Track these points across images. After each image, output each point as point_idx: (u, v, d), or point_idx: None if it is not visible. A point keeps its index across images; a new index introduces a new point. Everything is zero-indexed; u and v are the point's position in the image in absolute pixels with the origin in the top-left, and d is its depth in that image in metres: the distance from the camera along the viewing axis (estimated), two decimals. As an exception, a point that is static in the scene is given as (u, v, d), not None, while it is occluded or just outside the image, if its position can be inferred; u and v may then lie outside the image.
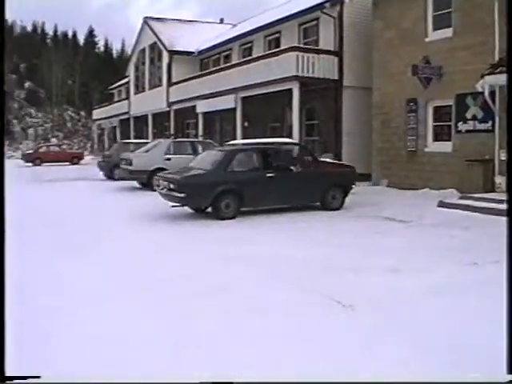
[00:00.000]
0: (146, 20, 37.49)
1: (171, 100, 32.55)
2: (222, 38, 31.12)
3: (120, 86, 50.60)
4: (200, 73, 30.72)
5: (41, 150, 43.98)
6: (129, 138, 39.11)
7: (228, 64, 27.52)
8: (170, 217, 12.94)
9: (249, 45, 28.02)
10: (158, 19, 37.40)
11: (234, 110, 24.71)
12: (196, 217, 12.99)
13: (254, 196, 12.78)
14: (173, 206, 12.94)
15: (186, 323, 5.26)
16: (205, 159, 13.90)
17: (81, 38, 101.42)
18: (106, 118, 48.22)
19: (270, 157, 13.52)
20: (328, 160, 16.67)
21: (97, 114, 52.19)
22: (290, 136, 19.77)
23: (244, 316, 5.40)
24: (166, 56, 33.70)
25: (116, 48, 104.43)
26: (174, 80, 32.72)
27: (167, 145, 20.27)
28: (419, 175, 17.15)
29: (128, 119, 41.58)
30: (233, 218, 12.37)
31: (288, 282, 6.76)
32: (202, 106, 28.02)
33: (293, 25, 23.74)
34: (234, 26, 35.23)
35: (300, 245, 9.37)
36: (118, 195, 18.31)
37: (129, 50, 66.03)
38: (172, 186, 12.38)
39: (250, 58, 25.11)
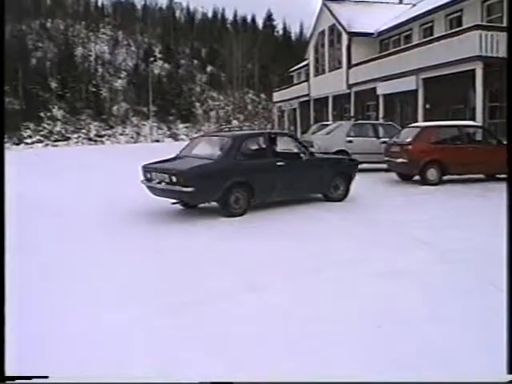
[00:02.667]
0: (324, 2, 37.75)
1: (351, 82, 32.87)
2: (402, 18, 30.92)
3: (299, 68, 51.41)
4: (380, 54, 30.75)
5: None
6: (309, 120, 40.02)
7: (408, 45, 27.32)
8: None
9: (429, 24, 27.68)
10: (336, 1, 37.32)
11: (415, 91, 24.68)
12: (192, 214, 11.06)
13: (264, 188, 11.09)
14: (174, 203, 11.36)
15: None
16: (204, 146, 11.94)
17: (259, 22, 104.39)
18: (285, 101, 49.22)
19: (276, 143, 11.95)
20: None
21: (277, 96, 53.37)
22: (472, 119, 19.47)
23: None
24: (345, 38, 33.97)
25: (294, 31, 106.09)
26: (353, 62, 32.95)
27: (348, 127, 20.33)
28: None
29: (308, 101, 42.27)
30: (242, 214, 10.62)
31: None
32: (382, 88, 28.14)
33: (475, 2, 23.17)
34: (414, 5, 34.72)
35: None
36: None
37: (307, 33, 67.11)
38: (174, 178, 10.24)
39: (430, 38, 24.80)
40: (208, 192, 10.47)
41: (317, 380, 3.72)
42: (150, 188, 11.06)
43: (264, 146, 11.55)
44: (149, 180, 11.05)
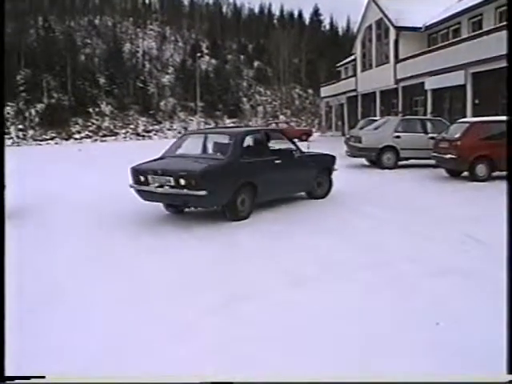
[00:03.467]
0: (372, -4, 37.70)
1: (398, 77, 32.69)
2: (450, 11, 30.56)
3: (347, 63, 51.24)
4: (428, 48, 30.50)
5: (269, 127, 44.83)
6: (356, 116, 39.83)
7: (457, 38, 27.08)
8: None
9: (478, 18, 27.31)
10: (384, -5, 37.31)
11: (463, 86, 24.39)
12: (189, 220, 10.10)
13: (266, 187, 10.38)
14: (168, 209, 10.65)
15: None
16: (198, 144, 11.03)
17: (306, 18, 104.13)
18: (333, 96, 49.17)
19: (270, 140, 11.46)
20: None
21: (324, 91, 53.30)
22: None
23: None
24: (392, 32, 33.81)
25: (341, 25, 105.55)
26: (401, 56, 32.75)
27: (396, 122, 20.06)
28: None
29: (355, 96, 42.14)
30: (247, 217, 9.93)
31: None
32: (430, 83, 27.91)
33: (527, -6, 22.73)
34: (462, -2, 34.37)
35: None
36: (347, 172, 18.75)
37: (354, 28, 66.63)
38: (183, 181, 9.20)
39: (479, 31, 24.53)
40: (220, 195, 9.52)
41: (317, 380, 3.70)
42: (145, 193, 9.88)
43: (261, 143, 11.06)
44: (143, 183, 9.84)
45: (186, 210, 10.70)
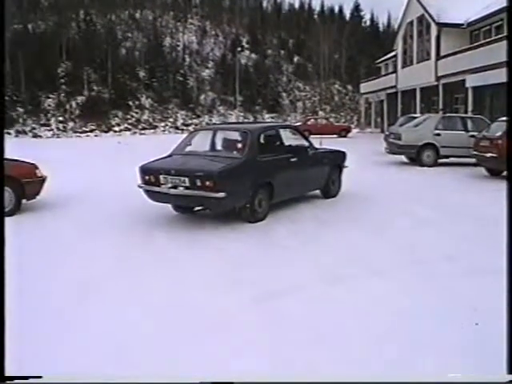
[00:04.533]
0: (413, -8, 37.35)
1: (439, 74, 32.36)
2: (493, 8, 30.06)
3: (387, 59, 50.89)
4: (470, 45, 30.13)
5: (309, 123, 44.50)
6: (396, 112, 39.57)
7: (500, 35, 26.68)
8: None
9: (522, 14, 26.83)
10: (425, -9, 36.95)
11: (506, 84, 23.96)
12: (204, 223, 9.47)
13: (282, 187, 9.92)
14: (177, 210, 10.15)
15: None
16: (210, 141, 10.41)
17: (347, 13, 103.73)
18: (372, 92, 48.91)
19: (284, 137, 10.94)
20: None
21: (364, 87, 53.03)
22: None
23: None
24: (434, 29, 33.45)
25: (382, 21, 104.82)
26: (442, 53, 32.42)
27: (437, 120, 20.03)
28: None
29: (395, 93, 41.84)
30: (263, 218, 9.51)
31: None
32: (471, 80, 27.59)
33: None
34: (506, -6, 33.78)
35: None
36: (383, 169, 18.74)
37: (395, 24, 66.31)
38: (199, 181, 8.61)
39: (524, 28, 24.13)
40: (239, 196, 9.02)
41: (317, 380, 3.74)
42: (156, 194, 9.27)
43: (277, 140, 10.55)
44: (153, 184, 9.24)
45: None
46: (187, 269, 6.74)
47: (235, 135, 10.08)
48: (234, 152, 9.57)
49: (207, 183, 8.49)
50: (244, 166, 9.12)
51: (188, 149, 10.19)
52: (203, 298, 5.62)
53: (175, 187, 8.82)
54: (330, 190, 11.84)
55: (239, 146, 9.59)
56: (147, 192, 9.42)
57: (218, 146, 10.26)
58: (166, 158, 9.94)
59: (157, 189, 9.10)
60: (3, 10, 3.88)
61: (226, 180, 8.59)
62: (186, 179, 8.69)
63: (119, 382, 3.59)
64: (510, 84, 4.17)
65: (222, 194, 8.45)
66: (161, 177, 9.02)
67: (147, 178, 9.29)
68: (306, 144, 11.21)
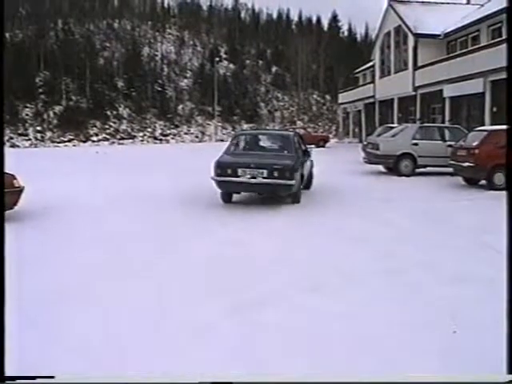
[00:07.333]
0: (390, 3, 37.55)
1: (417, 84, 32.59)
2: (469, 19, 30.41)
3: (365, 69, 51.14)
4: (447, 56, 30.39)
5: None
6: (373, 122, 39.78)
7: (476, 46, 26.96)
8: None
9: (498, 25, 27.04)
10: (402, 2, 37.10)
11: (482, 94, 24.27)
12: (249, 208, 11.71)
13: (307, 178, 13.64)
14: (223, 198, 12.10)
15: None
16: (257, 143, 13.32)
17: (325, 24, 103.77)
18: (350, 102, 49.09)
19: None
20: None
21: (342, 97, 53.25)
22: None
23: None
24: (411, 39, 33.71)
25: (360, 32, 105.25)
26: (419, 63, 32.65)
27: (414, 130, 20.06)
28: None
29: (373, 103, 42.00)
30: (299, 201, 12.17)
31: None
32: (449, 90, 27.81)
33: (547, 2, 22.60)
34: (482, 6, 34.11)
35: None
36: (361, 179, 18.81)
37: (372, 34, 66.63)
38: (276, 173, 11.15)
39: (499, 39, 24.37)
40: (299, 184, 11.74)
41: (317, 380, 3.74)
42: (233, 183, 11.45)
43: (301, 143, 13.60)
44: (230, 175, 11.34)
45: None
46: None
47: (278, 138, 13.21)
48: (285, 151, 12.24)
49: (283, 173, 11.14)
50: (299, 161, 11.99)
51: (239, 149, 12.87)
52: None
53: (254, 177, 11.18)
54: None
55: (287, 146, 12.41)
56: (221, 182, 11.52)
57: (265, 146, 13.03)
58: (225, 155, 12.24)
59: (235, 179, 11.34)
60: (3, 10, 3.86)
61: (295, 171, 11.35)
62: (265, 171, 11.16)
63: (120, 382, 3.63)
64: (510, 88, 4.14)
65: (293, 182, 11.18)
66: (239, 169, 11.30)
67: (223, 170, 11.42)
68: (307, 147, 14.47)
